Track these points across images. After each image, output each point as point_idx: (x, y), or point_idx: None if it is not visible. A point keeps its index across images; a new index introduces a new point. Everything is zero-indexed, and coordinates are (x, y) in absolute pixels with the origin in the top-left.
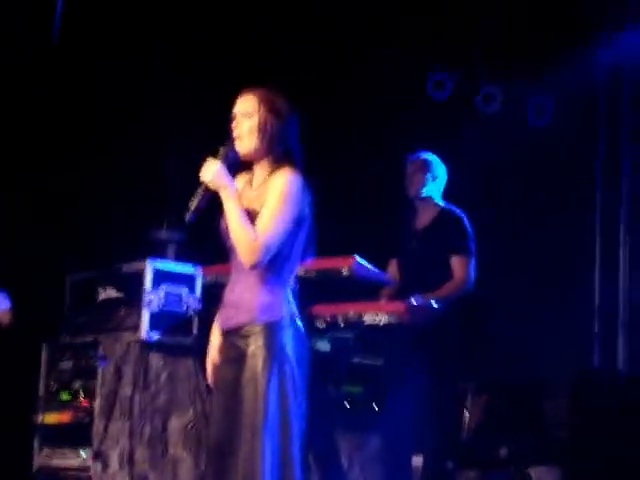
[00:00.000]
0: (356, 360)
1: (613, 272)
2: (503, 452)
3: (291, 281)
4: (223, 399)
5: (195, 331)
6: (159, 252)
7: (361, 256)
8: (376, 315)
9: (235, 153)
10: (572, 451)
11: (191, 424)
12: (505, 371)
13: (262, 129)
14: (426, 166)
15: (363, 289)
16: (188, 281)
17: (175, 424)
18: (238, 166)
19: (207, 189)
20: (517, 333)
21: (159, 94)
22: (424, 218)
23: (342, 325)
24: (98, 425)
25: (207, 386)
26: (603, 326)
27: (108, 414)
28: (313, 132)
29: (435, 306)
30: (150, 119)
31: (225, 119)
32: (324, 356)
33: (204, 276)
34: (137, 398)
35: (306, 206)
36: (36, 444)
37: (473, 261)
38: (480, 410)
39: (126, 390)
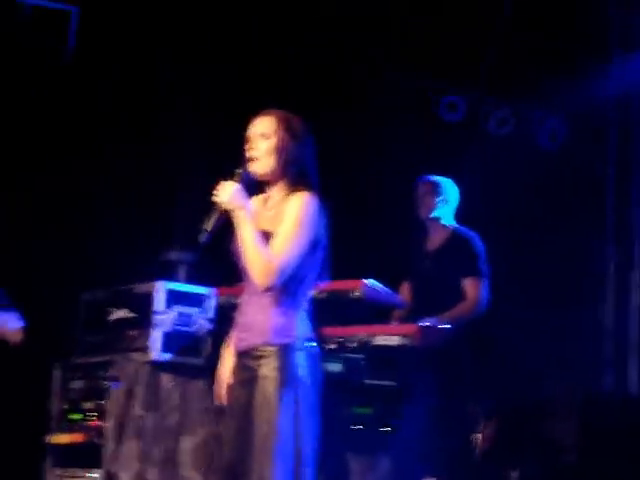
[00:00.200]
0: (367, 381)
1: (625, 294)
2: (514, 475)
3: (305, 303)
4: (235, 420)
5: (206, 352)
6: (171, 273)
7: (374, 278)
8: (388, 337)
9: (250, 174)
10: (582, 474)
11: (202, 445)
12: (516, 393)
13: (279, 150)
14: (436, 188)
15: (375, 311)
16: (200, 302)
17: (186, 445)
18: (253, 187)
19: (222, 210)
20: (527, 355)
21: (171, 114)
22: (435, 240)
23: (353, 346)
24: (109, 445)
25: (218, 407)
26: (614, 348)
27: (119, 434)
28: (325, 153)
29: (447, 328)
30: (163, 139)
31: (237, 139)
32: (335, 377)
33: (216, 297)
34: (148, 418)
35: (321, 229)
36: (47, 464)
37: (485, 282)
38: (491, 432)
39: (137, 410)
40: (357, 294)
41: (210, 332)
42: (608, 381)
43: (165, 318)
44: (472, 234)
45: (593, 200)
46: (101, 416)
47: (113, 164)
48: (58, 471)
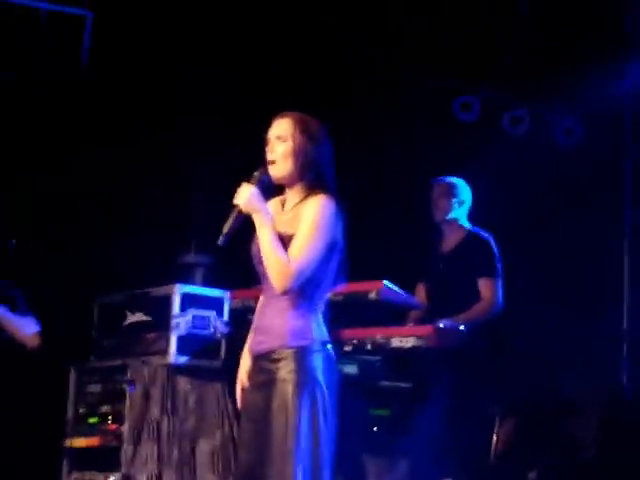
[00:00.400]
0: (384, 383)
1: None
2: (532, 475)
3: (322, 306)
4: (253, 423)
5: (223, 355)
6: (187, 276)
7: (389, 279)
8: (404, 338)
9: (269, 177)
10: (603, 471)
11: (219, 448)
12: (533, 392)
13: (296, 153)
14: (451, 190)
15: (391, 312)
16: (216, 305)
17: (203, 448)
18: (271, 190)
19: (240, 213)
20: (545, 354)
21: (187, 116)
22: (450, 241)
23: (370, 348)
24: (126, 449)
25: (235, 410)
26: (631, 347)
27: (136, 438)
28: (339, 154)
29: (463, 329)
30: (179, 141)
31: (255, 142)
32: (351, 379)
33: (232, 300)
34: (165, 422)
35: (339, 232)
36: (65, 468)
37: (500, 283)
38: (508, 432)
39: (154, 414)
40: (373, 296)
41: (226, 335)
42: (628, 377)
43: (181, 321)
44: (487, 235)
45: (610, 198)
46: (118, 419)
47: (130, 167)
48: (75, 474)
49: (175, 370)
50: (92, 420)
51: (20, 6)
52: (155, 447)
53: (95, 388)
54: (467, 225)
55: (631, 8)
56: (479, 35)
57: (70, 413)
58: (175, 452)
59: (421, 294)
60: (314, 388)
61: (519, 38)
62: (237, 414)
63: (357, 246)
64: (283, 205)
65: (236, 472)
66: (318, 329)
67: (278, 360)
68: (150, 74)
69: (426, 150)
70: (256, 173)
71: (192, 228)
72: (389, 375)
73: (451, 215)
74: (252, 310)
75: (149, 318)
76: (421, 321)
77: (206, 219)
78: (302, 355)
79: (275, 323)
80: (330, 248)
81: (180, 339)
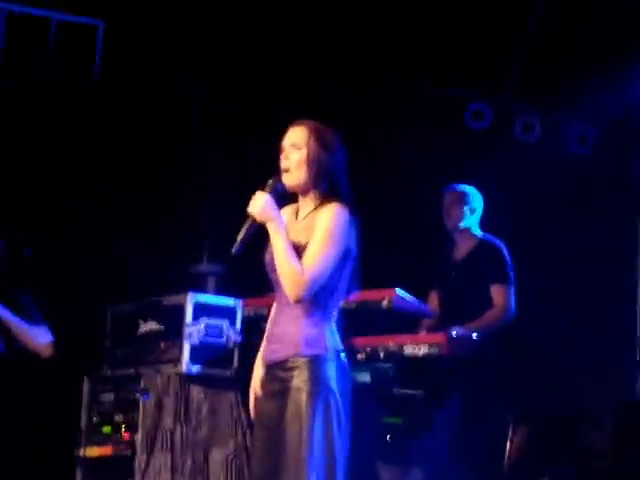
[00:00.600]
0: (396, 391)
1: None
2: None
3: (335, 314)
4: (266, 432)
5: (236, 363)
6: (200, 285)
7: (403, 288)
8: (416, 346)
9: (283, 185)
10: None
11: (232, 457)
12: (546, 400)
13: (311, 161)
14: (463, 198)
15: (404, 320)
16: (229, 313)
17: (216, 457)
18: (284, 198)
19: (254, 221)
20: (558, 361)
21: (201, 125)
22: (463, 249)
23: (382, 356)
24: (140, 458)
25: (248, 418)
26: None
27: (150, 447)
28: (352, 163)
29: (475, 337)
30: (192, 149)
31: (268, 151)
32: (364, 387)
33: (245, 308)
34: (178, 431)
35: (352, 240)
36: (78, 477)
37: (513, 290)
38: (521, 442)
39: (167, 423)
40: (386, 304)
41: (239, 343)
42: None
43: (194, 330)
44: (498, 242)
45: (622, 204)
46: (131, 428)
47: (144, 176)
48: None
49: (188, 379)
50: (105, 429)
51: (32, 17)
52: (168, 456)
53: (108, 397)
54: (479, 233)
55: None
56: (491, 43)
57: (83, 422)
58: (188, 461)
59: (433, 302)
60: (328, 396)
61: (531, 43)
62: (250, 423)
63: (370, 254)
64: (297, 213)
65: None
66: (332, 337)
67: (292, 369)
68: (163, 82)
69: (438, 158)
70: (270, 181)
71: (205, 237)
72: (402, 383)
73: (463, 223)
74: (265, 318)
75: (162, 327)
76: (434, 329)
77: (219, 227)
78: (316, 364)
79: (288, 331)
80: (343, 256)
81: (193, 348)
